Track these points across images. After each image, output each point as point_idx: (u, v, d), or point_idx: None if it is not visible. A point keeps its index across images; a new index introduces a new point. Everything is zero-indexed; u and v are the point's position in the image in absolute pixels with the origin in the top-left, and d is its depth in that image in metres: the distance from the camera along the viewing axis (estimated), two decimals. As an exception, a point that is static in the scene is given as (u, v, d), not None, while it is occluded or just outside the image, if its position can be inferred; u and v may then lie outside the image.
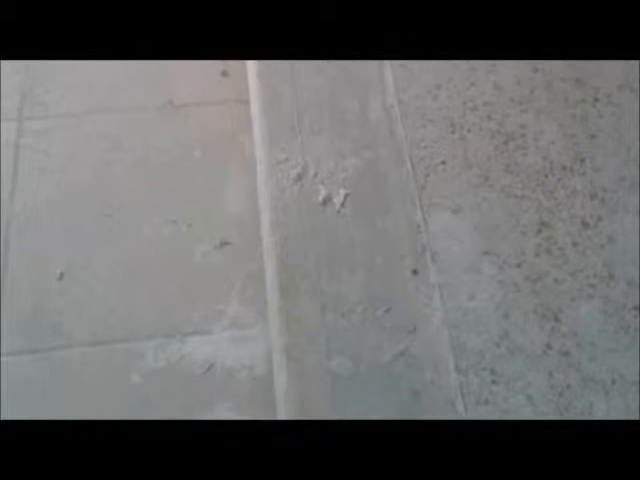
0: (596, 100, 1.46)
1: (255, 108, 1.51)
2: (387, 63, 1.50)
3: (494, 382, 1.20)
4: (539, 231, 1.32)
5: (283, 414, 1.24)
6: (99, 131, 1.61)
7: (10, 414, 1.31)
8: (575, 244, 1.30)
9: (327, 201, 1.36)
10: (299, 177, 1.38)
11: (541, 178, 1.36)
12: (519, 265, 1.29)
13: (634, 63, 1.49)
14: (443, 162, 1.39)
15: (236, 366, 1.38)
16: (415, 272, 1.29)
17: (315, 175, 1.38)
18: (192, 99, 1.65)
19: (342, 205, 1.35)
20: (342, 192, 1.37)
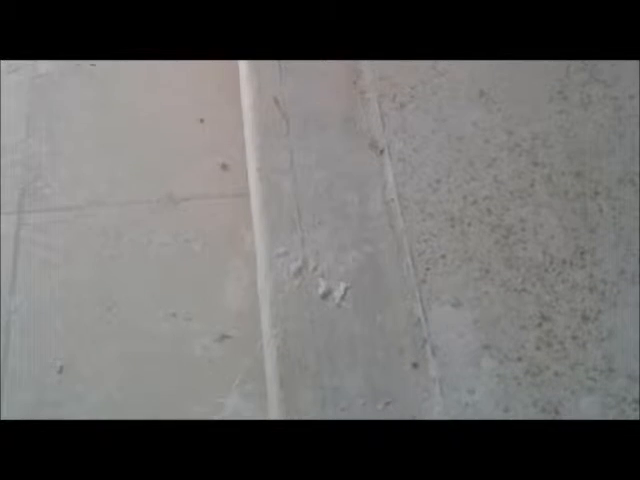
0: (596, 194, 1.58)
1: (255, 202, 1.63)
2: (387, 157, 1.64)
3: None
4: (539, 325, 1.42)
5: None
6: (99, 225, 1.74)
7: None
8: (575, 337, 1.41)
9: (327, 295, 1.47)
10: (299, 271, 1.50)
11: (541, 272, 1.48)
12: (519, 359, 1.39)
13: (634, 157, 1.63)
14: (443, 256, 1.50)
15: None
16: (415, 366, 1.40)
17: (315, 268, 1.50)
18: (192, 193, 1.79)
19: (342, 299, 1.47)
20: (342, 286, 1.48)
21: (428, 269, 1.49)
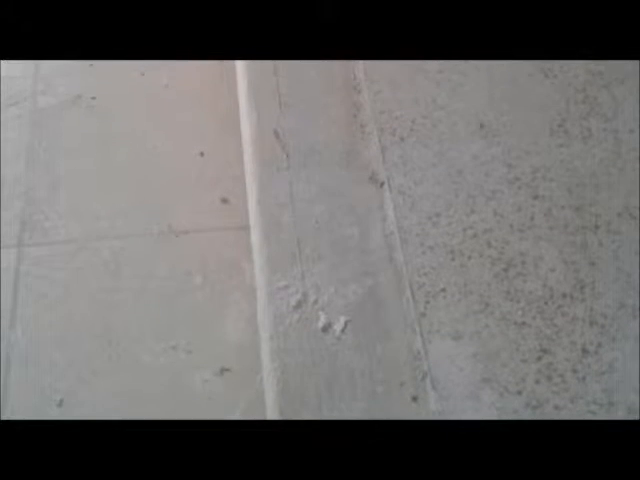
0: (596, 227, 1.62)
1: (255, 235, 1.68)
2: (387, 190, 1.69)
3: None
4: (539, 358, 1.46)
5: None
6: (99, 258, 1.78)
7: None
8: (575, 371, 1.45)
9: (327, 328, 1.51)
10: (299, 304, 1.54)
11: (541, 305, 1.52)
12: (519, 392, 1.43)
13: (634, 191, 1.67)
14: (443, 289, 1.55)
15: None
16: (415, 399, 1.43)
17: (315, 302, 1.54)
18: (192, 226, 1.84)
19: (342, 332, 1.51)
20: (342, 319, 1.52)
21: (428, 302, 1.53)
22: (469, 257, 1.58)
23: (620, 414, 1.40)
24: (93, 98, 2.08)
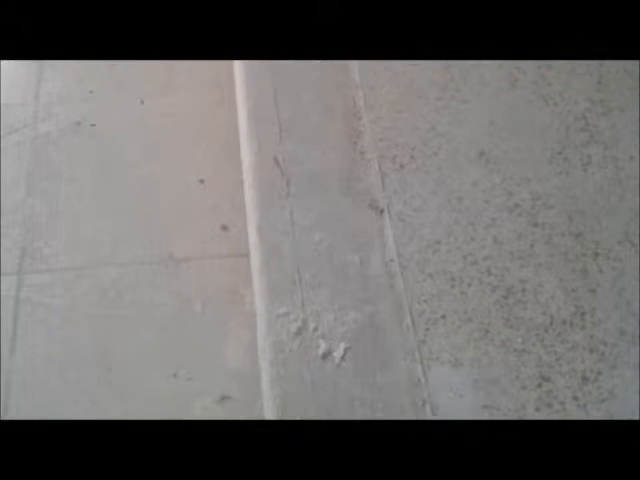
0: (596, 254, 1.65)
1: (255, 262, 1.70)
2: (387, 218, 1.72)
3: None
4: (539, 385, 1.49)
5: None
6: (99, 285, 1.81)
7: None
8: (575, 398, 1.47)
9: (327, 355, 1.53)
10: (299, 331, 1.56)
11: (541, 332, 1.55)
12: (519, 419, 1.46)
13: (634, 218, 1.70)
14: (443, 316, 1.57)
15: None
16: (415, 426, 1.46)
17: (315, 329, 1.56)
18: (192, 253, 1.87)
19: (342, 359, 1.53)
20: (342, 346, 1.55)
21: (428, 329, 1.56)
22: (469, 284, 1.61)
23: (620, 441, 1.42)
24: (93, 125, 2.11)
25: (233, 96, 2.00)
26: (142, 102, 2.18)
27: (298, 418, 1.47)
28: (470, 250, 1.66)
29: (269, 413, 1.51)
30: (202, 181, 1.99)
